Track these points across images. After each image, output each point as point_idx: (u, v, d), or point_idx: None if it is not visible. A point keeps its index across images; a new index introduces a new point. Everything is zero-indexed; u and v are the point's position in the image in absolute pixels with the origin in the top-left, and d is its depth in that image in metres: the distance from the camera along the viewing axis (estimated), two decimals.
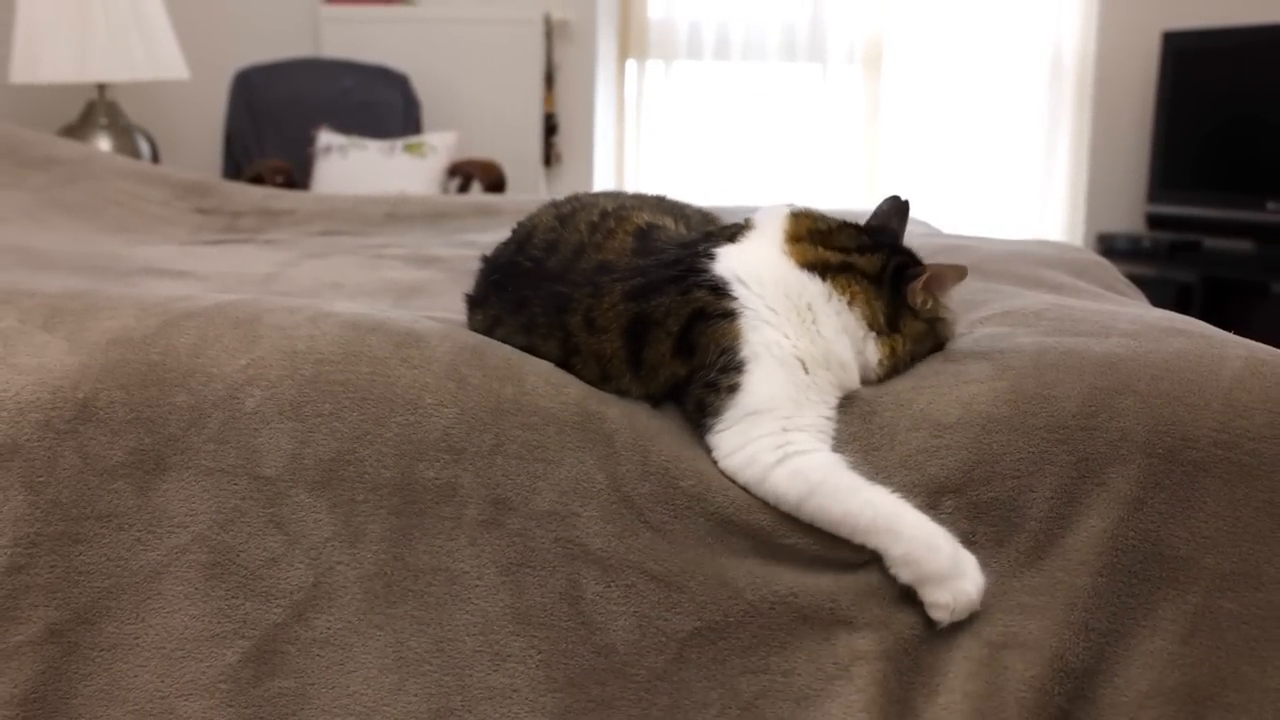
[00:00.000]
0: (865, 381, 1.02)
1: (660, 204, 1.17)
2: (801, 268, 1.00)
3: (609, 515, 0.96)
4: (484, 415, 0.97)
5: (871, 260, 1.03)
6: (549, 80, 3.97)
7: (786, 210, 1.06)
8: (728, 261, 0.99)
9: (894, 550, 0.93)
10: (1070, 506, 0.96)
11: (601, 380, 1.01)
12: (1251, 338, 1.08)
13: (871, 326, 1.01)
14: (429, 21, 3.92)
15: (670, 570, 0.96)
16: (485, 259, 1.15)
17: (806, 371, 0.97)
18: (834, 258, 1.01)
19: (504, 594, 0.96)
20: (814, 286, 1.00)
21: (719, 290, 0.97)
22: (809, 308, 0.99)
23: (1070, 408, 0.97)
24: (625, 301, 0.99)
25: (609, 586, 0.96)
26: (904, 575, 0.94)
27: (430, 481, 0.96)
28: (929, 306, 1.04)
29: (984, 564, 0.95)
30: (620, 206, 1.10)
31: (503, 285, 1.09)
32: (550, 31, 3.95)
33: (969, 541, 0.96)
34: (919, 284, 1.02)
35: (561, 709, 0.95)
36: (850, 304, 1.00)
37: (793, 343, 0.97)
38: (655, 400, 1.01)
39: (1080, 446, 0.96)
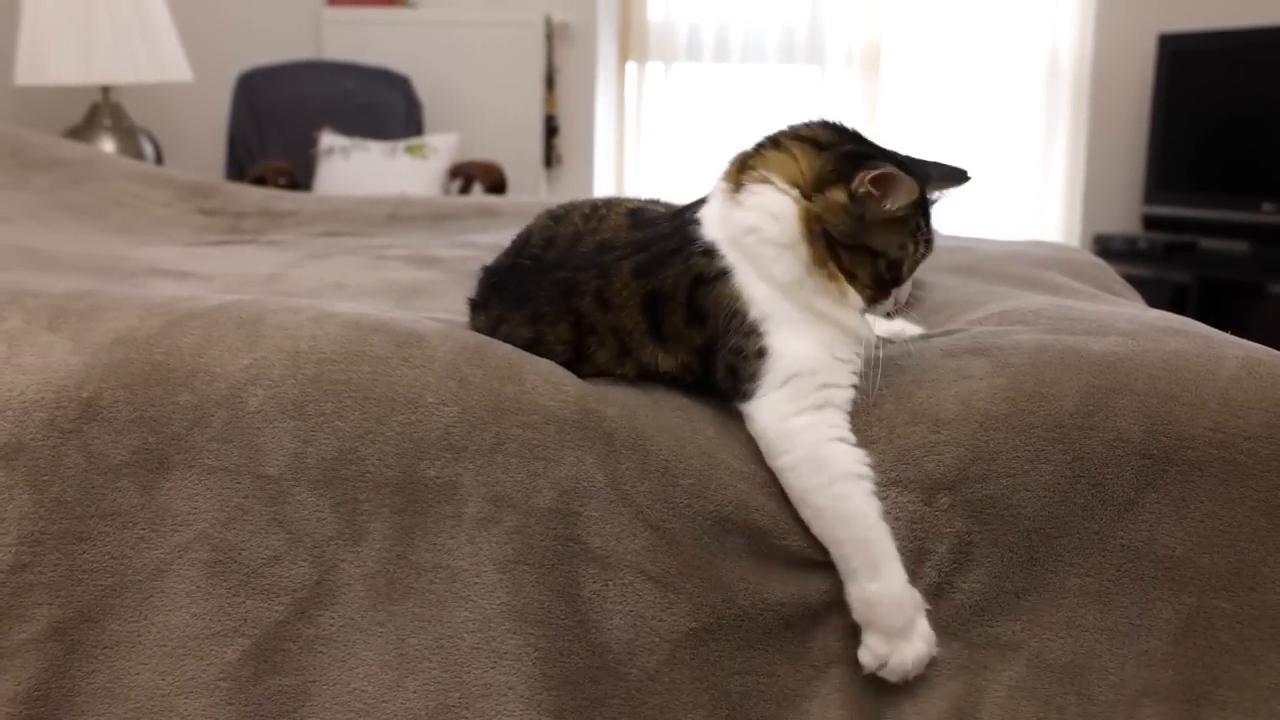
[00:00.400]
0: (801, 285, 0.96)
1: (653, 201, 1.18)
2: (734, 193, 0.98)
3: (608, 514, 0.96)
4: (485, 414, 0.98)
5: (802, 143, 0.98)
6: (549, 82, 3.98)
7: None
8: (709, 224, 0.99)
9: (868, 585, 0.93)
10: (1065, 506, 0.97)
11: (621, 354, 1.02)
12: (1247, 338, 1.08)
13: (794, 184, 0.96)
14: (430, 24, 3.93)
15: (667, 570, 0.96)
16: (485, 269, 1.16)
17: (792, 304, 0.95)
18: (749, 153, 1.00)
19: (501, 592, 0.96)
20: (735, 198, 0.97)
21: (710, 253, 0.98)
22: (750, 231, 0.96)
23: (1068, 406, 0.98)
24: (635, 280, 1.00)
25: (606, 585, 0.96)
26: (858, 611, 0.94)
27: (432, 480, 0.97)
28: (873, 204, 0.94)
29: (977, 561, 0.96)
30: (611, 199, 1.11)
31: (504, 285, 1.10)
32: (551, 34, 3.96)
33: (964, 540, 0.96)
34: (868, 175, 0.94)
35: (557, 707, 0.95)
36: (767, 170, 0.96)
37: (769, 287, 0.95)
38: (678, 373, 1.00)
39: (1077, 446, 0.97)
